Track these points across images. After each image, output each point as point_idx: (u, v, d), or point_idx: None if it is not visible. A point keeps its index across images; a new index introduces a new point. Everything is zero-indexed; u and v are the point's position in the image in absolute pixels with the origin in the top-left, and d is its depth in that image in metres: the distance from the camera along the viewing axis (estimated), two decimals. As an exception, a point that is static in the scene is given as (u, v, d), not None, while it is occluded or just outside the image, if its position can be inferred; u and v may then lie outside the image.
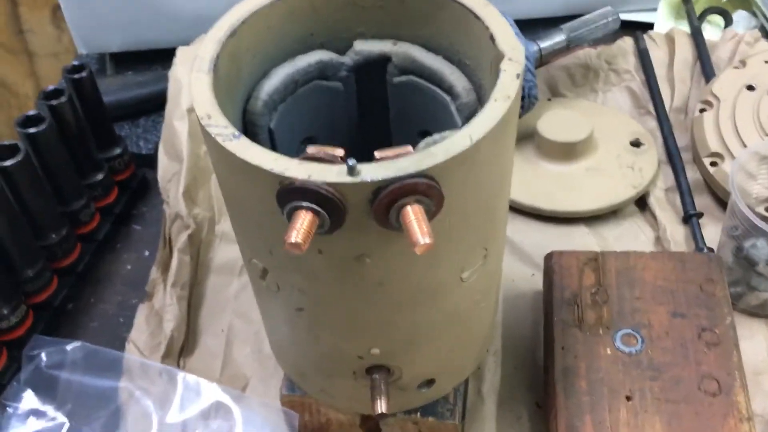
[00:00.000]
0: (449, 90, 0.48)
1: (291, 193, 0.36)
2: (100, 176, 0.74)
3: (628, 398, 0.55)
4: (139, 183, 0.80)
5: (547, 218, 0.74)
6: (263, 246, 0.44)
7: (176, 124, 0.75)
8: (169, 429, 0.59)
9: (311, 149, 0.39)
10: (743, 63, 0.79)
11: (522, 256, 0.72)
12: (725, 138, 0.73)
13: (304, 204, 0.36)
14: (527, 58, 0.75)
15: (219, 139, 0.38)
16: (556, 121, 0.77)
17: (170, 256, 0.69)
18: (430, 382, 0.54)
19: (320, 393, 0.56)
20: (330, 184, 0.36)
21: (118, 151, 0.76)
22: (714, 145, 0.74)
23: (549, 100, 0.85)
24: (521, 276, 0.71)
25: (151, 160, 0.81)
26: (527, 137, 0.79)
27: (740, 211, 0.61)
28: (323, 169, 0.37)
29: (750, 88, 0.76)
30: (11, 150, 0.62)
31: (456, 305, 0.48)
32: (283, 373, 0.60)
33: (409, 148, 0.39)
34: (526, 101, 0.76)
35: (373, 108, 0.53)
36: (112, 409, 0.61)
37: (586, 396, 0.56)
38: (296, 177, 0.36)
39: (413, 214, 0.36)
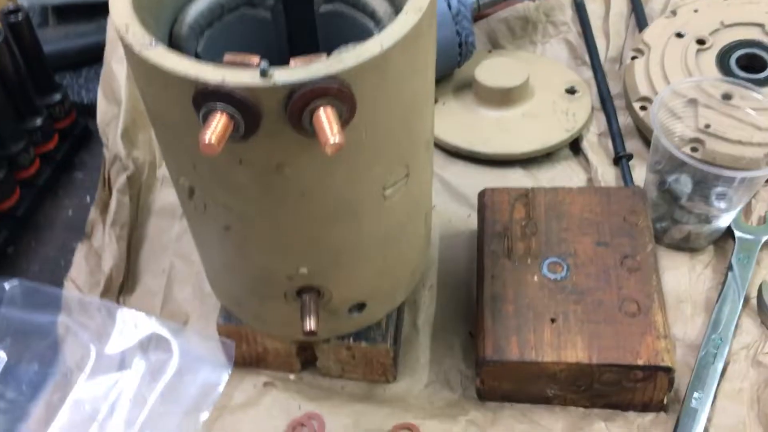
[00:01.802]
0: (372, 15, 0.49)
1: (205, 97, 0.37)
2: (39, 121, 0.74)
3: (552, 320, 0.58)
4: (81, 131, 0.80)
5: (484, 161, 0.76)
6: (187, 161, 0.45)
7: (115, 67, 0.75)
8: (106, 360, 0.60)
9: (228, 56, 0.40)
10: (674, 12, 0.81)
11: (459, 198, 0.74)
12: (654, 83, 0.76)
13: (219, 106, 0.37)
14: (465, 6, 0.76)
15: (136, 48, 0.39)
16: (494, 69, 0.79)
17: (109, 196, 0.70)
18: (360, 306, 0.55)
19: (255, 320, 0.58)
20: (243, 87, 0.37)
21: (58, 97, 0.76)
22: (644, 90, 0.76)
23: (489, 51, 0.87)
24: (458, 217, 0.73)
25: (93, 110, 0.80)
26: (466, 86, 0.81)
27: (662, 145, 0.63)
28: (237, 73, 0.38)
29: (679, 35, 0.78)
30: (-55, 87, 0.62)
31: (381, 225, 0.50)
32: (220, 305, 0.61)
33: (323, 56, 0.40)
34: (464, 49, 0.78)
35: (302, 38, 0.54)
36: (49, 342, 0.62)
37: (512, 319, 0.58)
38: (210, 80, 0.37)
39: (324, 116, 0.37)
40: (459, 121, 0.78)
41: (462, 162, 0.77)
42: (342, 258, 0.50)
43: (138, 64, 0.40)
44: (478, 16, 0.86)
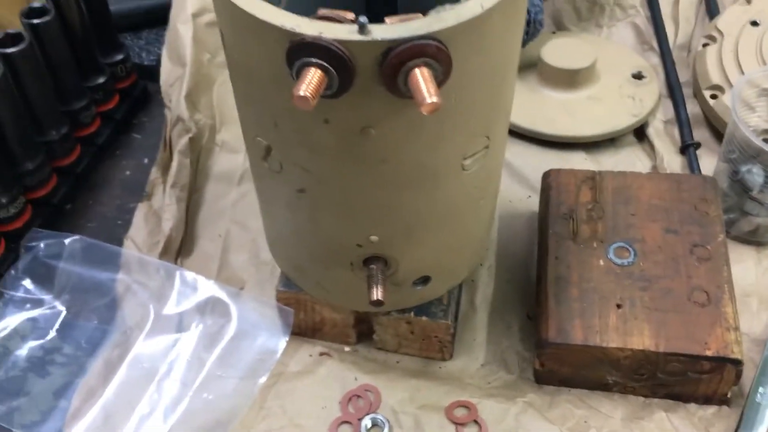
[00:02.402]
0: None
1: (301, 50, 0.37)
2: (101, 80, 0.74)
3: (618, 306, 0.56)
4: (140, 93, 0.80)
5: (546, 143, 0.75)
6: (269, 119, 0.44)
7: (180, 28, 0.75)
8: (165, 321, 0.60)
9: (322, 11, 0.39)
10: (748, 1, 0.79)
11: (520, 179, 0.73)
12: (727, 71, 0.74)
13: (314, 61, 0.36)
14: (535, -17, 0.75)
15: (230, -3, 0.38)
16: (560, 49, 0.77)
17: (170, 158, 0.69)
18: (425, 280, 0.54)
19: (316, 288, 0.57)
20: (340, 42, 0.36)
21: (120, 57, 0.76)
22: (715, 78, 0.74)
23: (553, 33, 0.85)
24: (518, 197, 0.72)
25: (153, 72, 0.81)
26: (530, 66, 0.79)
27: (739, 134, 0.61)
28: (334, 27, 0.37)
29: (754, 23, 0.76)
30: (15, 39, 0.62)
31: (456, 197, 0.49)
32: (280, 272, 0.60)
33: (420, 15, 0.39)
34: (531, 27, 0.76)
35: (381, 2, 0.53)
36: (108, 300, 0.62)
37: (576, 303, 0.57)
38: (307, 33, 0.36)
39: (421, 76, 0.36)
40: (522, 102, 0.76)
41: (524, 143, 0.76)
42: (414, 228, 0.49)
43: (230, 13, 0.39)
44: (544, -5, 0.85)
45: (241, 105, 0.47)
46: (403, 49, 0.36)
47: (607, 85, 0.77)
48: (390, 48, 0.37)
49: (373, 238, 0.49)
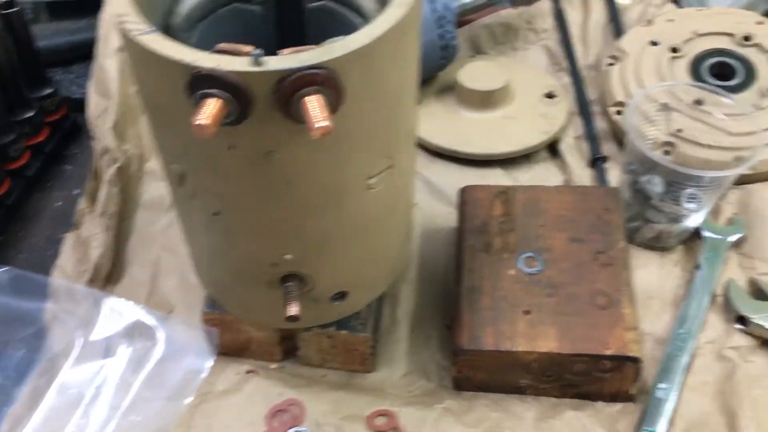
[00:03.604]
0: (359, 11, 0.51)
1: (200, 81, 0.39)
2: (29, 113, 0.75)
3: (527, 312, 0.60)
4: (71, 125, 0.81)
5: (466, 161, 0.79)
6: (179, 147, 0.46)
7: (106, 62, 0.77)
8: (92, 347, 0.62)
9: (221, 45, 0.42)
10: (649, 22, 0.85)
11: (441, 196, 0.76)
12: (630, 88, 0.78)
13: (212, 91, 0.39)
14: (448, 11, 0.79)
15: (133, 34, 0.41)
16: (475, 72, 0.81)
17: (98, 187, 0.71)
18: (342, 295, 0.57)
19: (239, 308, 0.59)
20: (236, 73, 0.39)
21: (48, 91, 0.77)
22: (619, 95, 0.79)
23: (472, 56, 0.89)
24: (439, 214, 0.75)
25: (83, 105, 0.82)
26: (449, 88, 0.83)
27: (636, 147, 0.66)
28: (231, 60, 0.40)
29: (654, 43, 0.81)
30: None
31: (363, 215, 0.52)
32: (206, 294, 0.62)
33: (313, 47, 0.42)
34: (447, 52, 0.80)
35: (292, 33, 0.56)
36: (36, 329, 0.63)
37: (489, 311, 0.60)
38: (204, 66, 0.39)
39: (312, 102, 0.39)
40: (441, 123, 0.80)
41: (444, 162, 0.79)
42: (326, 246, 0.52)
43: (136, 50, 0.42)
44: (462, 21, 0.89)
45: (155, 134, 0.49)
46: (295, 78, 0.39)
47: (521, 104, 0.81)
48: (283, 78, 0.39)
49: (288, 256, 0.51)
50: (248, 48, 0.42)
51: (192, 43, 0.51)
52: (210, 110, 0.39)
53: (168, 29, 0.50)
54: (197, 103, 0.39)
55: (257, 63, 0.39)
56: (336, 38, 0.43)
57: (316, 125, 0.38)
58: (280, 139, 0.43)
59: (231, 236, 0.51)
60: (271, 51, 0.56)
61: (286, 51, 0.42)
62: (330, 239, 0.51)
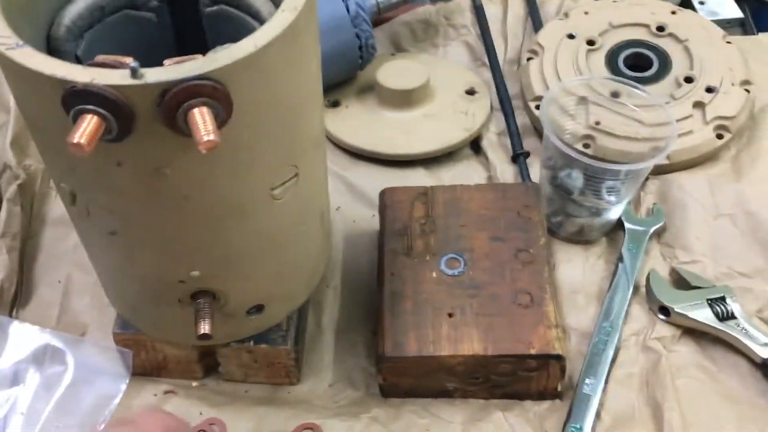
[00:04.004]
0: (256, 16, 0.49)
1: (75, 97, 0.37)
2: (-77, 131, 0.71)
3: (450, 315, 0.59)
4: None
5: (387, 162, 0.77)
6: (66, 165, 0.44)
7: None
8: (-2, 376, 0.58)
9: (100, 57, 0.40)
10: (566, 15, 0.85)
11: (363, 199, 0.75)
12: (548, 82, 0.78)
13: (89, 107, 0.37)
14: (363, 9, 0.77)
15: (1, 48, 0.38)
16: (395, 71, 0.80)
17: (-1, 207, 0.67)
18: (259, 308, 0.55)
19: (152, 327, 0.57)
20: (114, 87, 0.37)
21: (-56, 105, 0.73)
22: (539, 90, 0.79)
23: (393, 54, 0.88)
24: (362, 217, 0.73)
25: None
26: (369, 88, 0.82)
27: (552, 142, 0.65)
28: (107, 73, 0.37)
29: (570, 36, 0.81)
30: None
31: (272, 226, 0.50)
32: (116, 314, 0.60)
33: (198, 56, 0.40)
34: (364, 52, 0.79)
35: (190, 40, 0.53)
36: (-65, 361, 0.59)
37: (411, 316, 0.59)
38: (79, 80, 0.37)
39: (198, 115, 0.37)
40: (362, 123, 0.79)
41: (365, 163, 0.78)
42: (234, 260, 0.50)
43: (5, 66, 0.39)
44: (380, 19, 0.88)
45: (40, 151, 0.47)
46: (178, 90, 0.37)
47: (441, 102, 0.81)
48: (165, 90, 0.37)
49: (194, 273, 0.49)
50: (128, 59, 0.40)
51: (79, 54, 0.48)
52: (86, 128, 0.36)
53: (50, 41, 0.47)
54: (74, 120, 0.37)
55: (136, 75, 0.37)
56: (223, 46, 0.41)
57: (204, 139, 0.36)
58: (169, 154, 0.41)
59: (131, 255, 0.49)
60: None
61: (168, 62, 0.40)
62: (237, 253, 0.49)
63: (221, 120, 0.39)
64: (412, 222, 0.65)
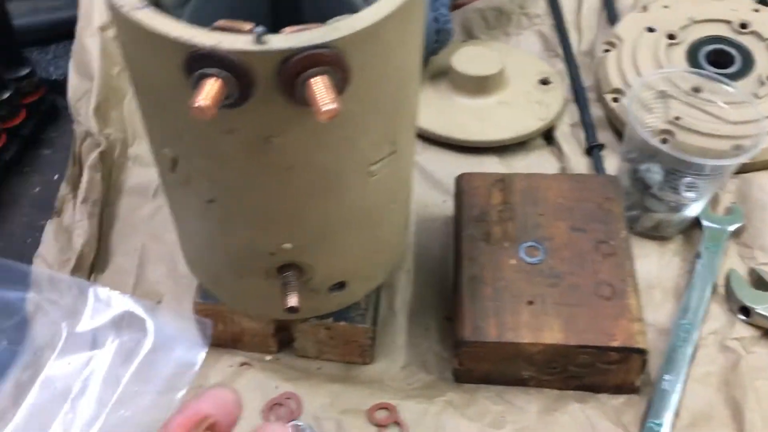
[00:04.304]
0: (356, -9, 0.49)
1: (199, 61, 0.37)
2: (5, 95, 0.72)
3: (530, 303, 0.58)
4: (49, 107, 0.78)
5: (460, 148, 0.77)
6: (173, 131, 0.44)
7: (87, 41, 0.74)
8: (78, 339, 0.59)
9: (220, 22, 0.40)
10: (645, 8, 0.83)
11: (435, 184, 0.74)
12: (626, 75, 0.77)
13: (211, 71, 0.37)
14: (443, -6, 0.77)
15: (125, 10, 0.38)
16: (470, 57, 0.79)
17: (80, 173, 0.68)
18: (341, 285, 0.55)
19: (233, 299, 0.57)
20: (238, 52, 0.37)
21: (25, 71, 0.74)
22: (616, 82, 0.78)
23: (464, 41, 0.87)
24: (433, 202, 0.73)
25: (61, 87, 0.79)
26: (442, 74, 0.81)
27: (636, 135, 0.64)
28: (231, 38, 0.37)
29: (650, 30, 0.80)
30: None
31: (365, 202, 0.50)
32: (198, 284, 0.60)
33: (318, 25, 0.40)
34: (441, 36, 0.78)
35: (286, 12, 0.53)
36: (18, 320, 0.60)
37: (490, 301, 0.58)
38: (204, 43, 0.37)
39: (318, 84, 0.37)
40: (435, 108, 0.78)
41: (438, 149, 0.77)
42: (325, 234, 0.50)
43: (127, 27, 0.39)
44: (454, 6, 0.87)
45: (145, 118, 0.47)
46: (300, 58, 0.37)
47: (515, 91, 0.80)
48: (287, 57, 0.37)
49: (286, 245, 0.49)
50: (248, 25, 0.40)
51: (184, 20, 0.48)
52: (209, 91, 0.36)
53: (158, 5, 0.47)
54: (195, 83, 0.37)
55: (260, 41, 0.37)
56: (340, 17, 0.40)
57: (324, 108, 0.36)
58: (281, 123, 0.41)
59: (227, 225, 0.49)
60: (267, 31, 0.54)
61: (289, 29, 0.40)
62: (330, 227, 0.49)
63: (338, 89, 0.39)
64: (489, 208, 0.65)
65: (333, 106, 0.36)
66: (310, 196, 0.46)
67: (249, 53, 0.37)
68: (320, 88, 0.37)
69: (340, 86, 0.39)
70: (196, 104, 0.36)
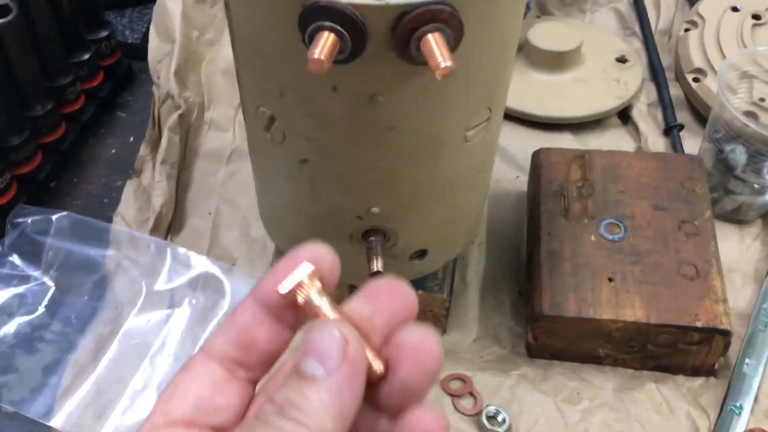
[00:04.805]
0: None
1: (314, 14, 0.37)
2: (86, 56, 0.72)
3: (610, 279, 0.57)
4: (125, 71, 0.79)
5: (534, 124, 0.76)
6: (275, 88, 0.44)
7: (169, 4, 0.74)
8: (157, 297, 0.60)
9: (334, -23, 0.39)
10: (729, -13, 0.81)
11: (508, 159, 0.74)
12: (709, 55, 0.75)
13: (327, 24, 0.36)
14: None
15: (241, -39, 0.38)
16: (546, 32, 0.78)
17: (160, 135, 0.69)
18: (422, 254, 0.55)
19: (312, 263, 0.57)
20: (354, 5, 0.36)
21: (105, 33, 0.75)
22: (698, 61, 0.76)
23: (538, 17, 0.86)
24: (506, 177, 0.72)
25: (136, 50, 0.80)
26: (518, 49, 0.80)
27: (725, 115, 0.63)
28: (348, -9, 0.37)
29: (734, 9, 0.78)
30: (3, 11, 0.60)
31: (457, 169, 0.49)
32: (273, 250, 0.60)
33: (432, -18, 0.39)
34: (519, 9, 0.77)
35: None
36: (98, 277, 0.61)
37: (569, 277, 0.58)
38: (321, -4, 0.36)
39: (435, 40, 0.37)
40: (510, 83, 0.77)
41: (511, 124, 0.76)
42: (415, 200, 0.49)
43: (240, -21, 0.39)
44: (529, -20, 0.86)
45: (244, 76, 0.47)
46: (417, 14, 0.36)
47: (592, 68, 0.78)
48: (404, 13, 0.37)
49: (374, 209, 0.49)
50: (363, -19, 0.39)
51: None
52: (325, 44, 0.36)
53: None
54: (311, 37, 0.37)
55: (378, -4, 0.36)
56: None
57: (441, 65, 0.36)
58: (387, 81, 0.40)
59: (317, 186, 0.49)
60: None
61: (402, -14, 0.39)
62: (420, 193, 0.49)
63: (450, 48, 0.38)
64: (568, 184, 0.64)
65: (449, 63, 0.36)
66: (406, 159, 0.46)
67: (367, 7, 0.36)
68: (436, 45, 0.36)
69: (452, 45, 0.38)
70: (313, 57, 0.35)
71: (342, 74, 0.40)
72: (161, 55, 0.72)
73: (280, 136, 0.46)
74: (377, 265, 0.50)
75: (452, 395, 0.57)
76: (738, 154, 0.65)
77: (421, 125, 0.44)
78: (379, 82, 0.41)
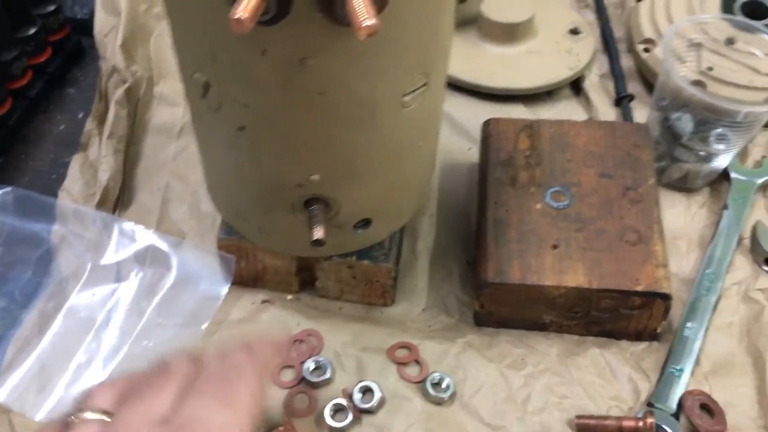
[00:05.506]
0: None
1: (237, -27, 0.36)
2: (32, 31, 0.71)
3: (554, 246, 0.58)
4: (74, 46, 0.78)
5: (486, 96, 0.76)
6: (207, 52, 0.43)
7: (115, -24, 0.73)
8: (102, 271, 0.59)
9: (258, -64, 0.39)
10: (680, -42, 0.81)
11: (461, 131, 0.74)
12: (659, 24, 0.76)
13: (250, -16, 0.36)
14: (473, -63, 0.75)
15: None
16: (500, 4, 0.78)
17: (106, 109, 0.68)
18: (366, 223, 0.55)
19: (257, 234, 0.57)
20: (276, -36, 0.36)
21: (52, 8, 0.74)
22: (648, 32, 0.76)
23: (493, -11, 0.86)
24: (458, 149, 0.73)
25: (86, 26, 0.78)
26: (470, 21, 0.80)
27: (671, 83, 0.63)
28: (270, -50, 0.37)
29: (685, -20, 0.78)
30: (-62, -18, 0.59)
31: (396, 135, 0.49)
32: (221, 221, 0.60)
33: (357, -58, 0.39)
34: (470, -18, 0.77)
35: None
36: (43, 252, 0.60)
37: (515, 244, 0.58)
38: (242, -44, 0.36)
39: (358, 0, 0.36)
40: (463, 56, 0.77)
41: (464, 96, 0.76)
42: (354, 167, 0.49)
43: (163, -60, 0.39)
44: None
45: (178, 40, 0.46)
46: (339, -28, 0.36)
47: (545, 39, 0.79)
48: (326, -28, 0.37)
49: (314, 177, 0.49)
50: (288, -60, 0.39)
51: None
52: (249, 3, 0.36)
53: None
54: (233, -3, 0.36)
55: (300, -46, 0.36)
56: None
57: (364, 23, 0.36)
58: (316, 44, 0.40)
59: (255, 154, 0.49)
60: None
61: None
62: (359, 160, 0.49)
63: (377, 8, 0.38)
64: (516, 153, 0.64)
65: (373, 21, 0.36)
66: (341, 124, 0.46)
67: (288, -34, 0.36)
68: (360, 3, 0.36)
69: (379, 5, 0.38)
70: (235, 16, 0.35)
71: (271, 37, 0.40)
72: (107, 28, 0.71)
73: (216, 102, 0.46)
74: (318, 233, 0.50)
75: (398, 363, 0.57)
76: (684, 122, 0.65)
77: (354, 89, 0.44)
78: (308, 45, 0.40)
